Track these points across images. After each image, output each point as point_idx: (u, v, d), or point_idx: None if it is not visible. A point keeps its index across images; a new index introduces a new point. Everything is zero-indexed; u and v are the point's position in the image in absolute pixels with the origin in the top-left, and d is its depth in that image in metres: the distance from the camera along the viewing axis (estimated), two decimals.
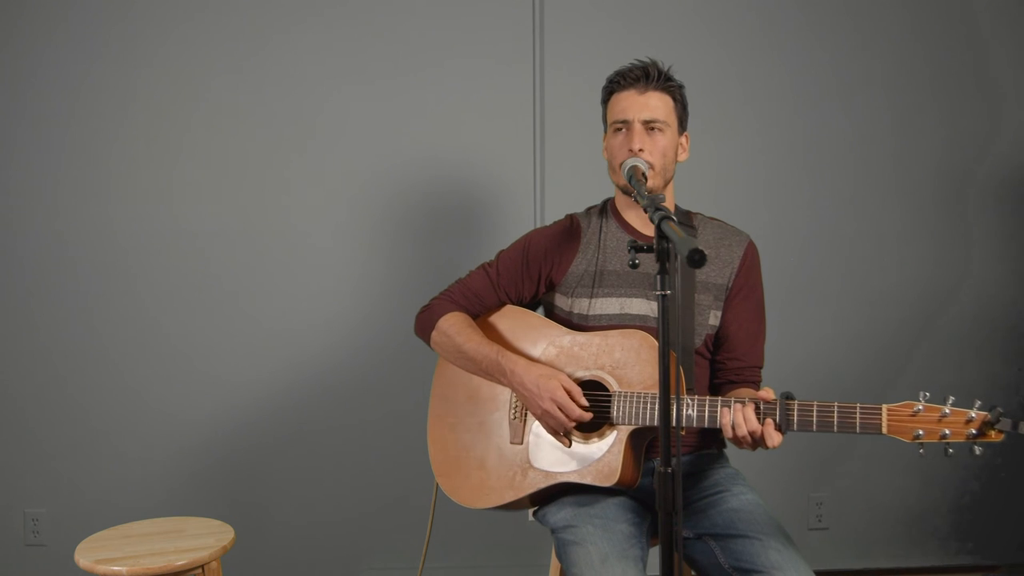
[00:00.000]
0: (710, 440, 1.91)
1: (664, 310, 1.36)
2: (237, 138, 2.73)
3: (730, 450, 1.96)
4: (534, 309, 2.00)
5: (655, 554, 1.60)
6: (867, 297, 2.87)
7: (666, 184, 1.86)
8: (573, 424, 1.74)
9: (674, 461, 1.36)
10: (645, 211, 1.49)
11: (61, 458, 2.74)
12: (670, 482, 1.35)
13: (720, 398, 1.65)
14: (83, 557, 1.91)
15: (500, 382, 1.84)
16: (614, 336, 1.80)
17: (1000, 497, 2.94)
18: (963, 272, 2.90)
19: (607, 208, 1.96)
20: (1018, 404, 2.90)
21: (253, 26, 2.72)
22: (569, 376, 1.80)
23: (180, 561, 1.89)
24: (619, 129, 1.83)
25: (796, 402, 1.58)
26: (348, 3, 2.74)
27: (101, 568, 1.87)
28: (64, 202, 2.71)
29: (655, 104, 1.81)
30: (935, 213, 2.89)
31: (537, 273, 1.93)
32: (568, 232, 1.93)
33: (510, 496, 1.83)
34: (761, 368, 1.89)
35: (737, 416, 1.60)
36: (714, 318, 1.85)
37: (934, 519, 2.94)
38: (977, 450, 1.46)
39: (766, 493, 1.90)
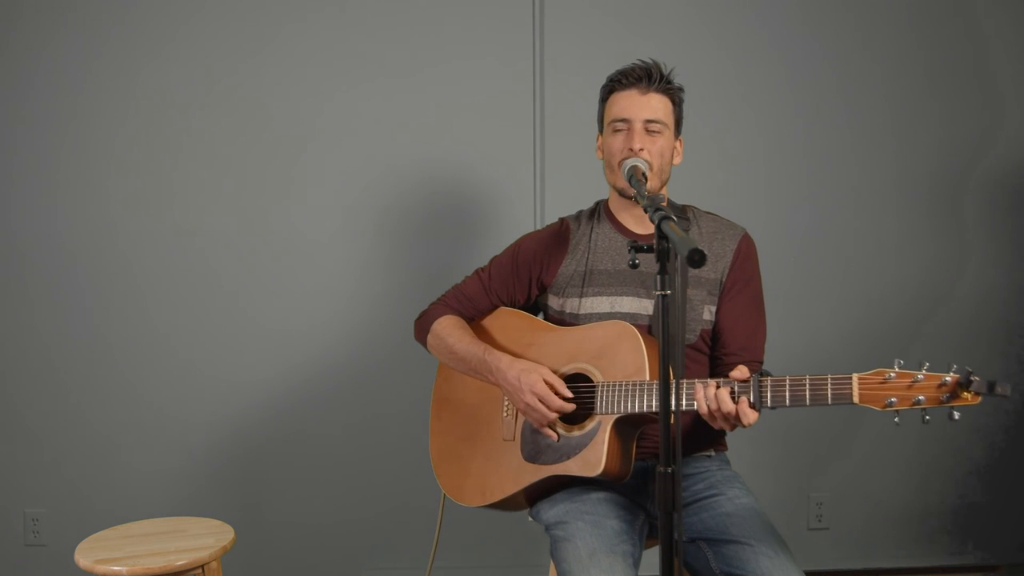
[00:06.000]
0: (705, 442, 1.90)
1: (664, 310, 1.36)
2: (237, 139, 2.73)
3: (730, 452, 1.96)
4: (535, 312, 2.01)
5: (651, 555, 1.60)
6: (864, 295, 2.87)
7: (662, 186, 1.87)
8: (556, 416, 1.76)
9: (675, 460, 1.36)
10: (645, 211, 1.49)
11: (61, 458, 2.74)
12: (670, 482, 1.35)
13: (696, 380, 1.64)
14: (83, 557, 1.91)
15: (488, 380, 1.86)
16: (594, 328, 1.82)
17: (1000, 497, 2.94)
18: (961, 269, 2.89)
19: (599, 210, 1.97)
20: (1013, 403, 2.90)
21: (253, 27, 2.72)
22: (554, 371, 1.81)
23: (180, 561, 1.89)
24: (619, 129, 1.83)
25: (769, 379, 1.58)
26: (348, 4, 2.74)
27: (101, 568, 1.87)
28: (64, 202, 2.71)
29: (656, 105, 1.82)
30: (933, 211, 2.88)
31: (527, 276, 1.95)
32: (558, 235, 1.95)
33: (505, 492, 1.84)
34: (760, 363, 1.88)
35: (709, 391, 1.60)
36: (709, 313, 1.86)
37: (934, 519, 2.94)
38: (956, 415, 1.40)
39: (766, 493, 1.90)
